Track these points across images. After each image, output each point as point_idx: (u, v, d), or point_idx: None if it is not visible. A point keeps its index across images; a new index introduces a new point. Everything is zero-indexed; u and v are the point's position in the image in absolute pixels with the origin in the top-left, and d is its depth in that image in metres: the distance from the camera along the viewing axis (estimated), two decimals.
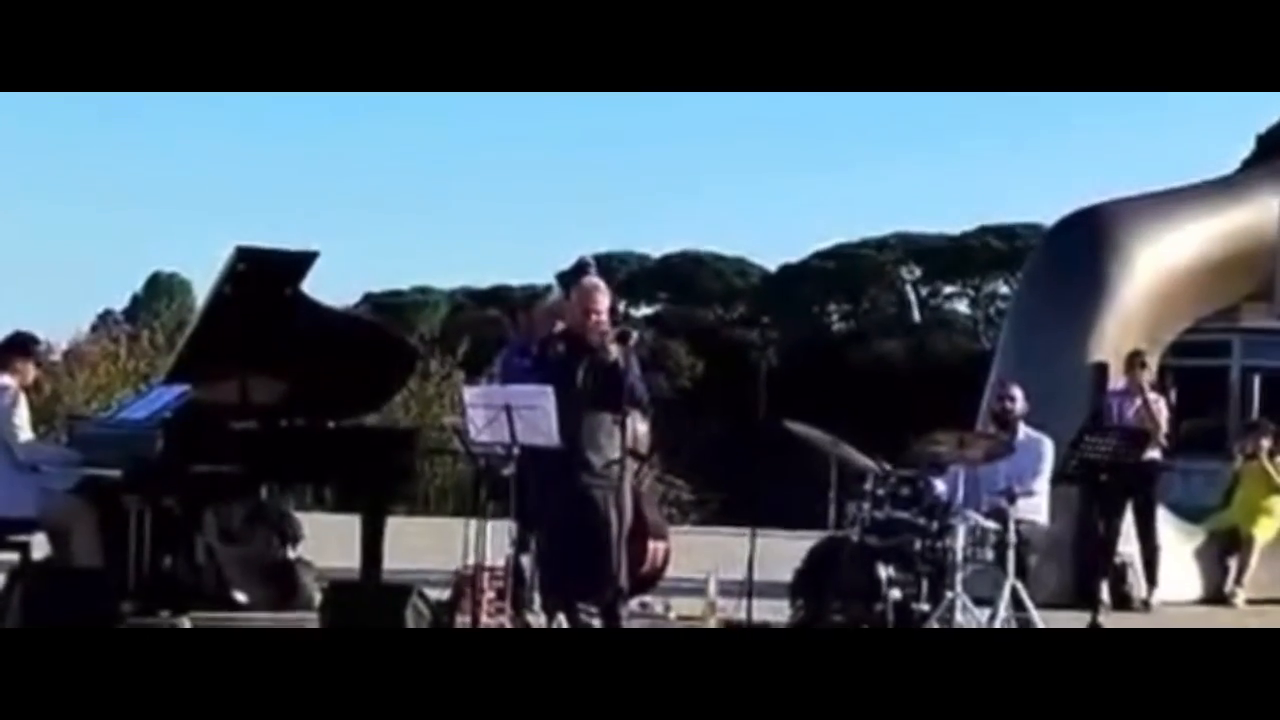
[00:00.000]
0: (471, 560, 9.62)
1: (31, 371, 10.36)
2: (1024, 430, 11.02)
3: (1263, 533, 14.38)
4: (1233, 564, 14.43)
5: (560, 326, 10.63)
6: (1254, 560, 14.29)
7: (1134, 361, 13.23)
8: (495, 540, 9.82)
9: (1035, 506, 10.59)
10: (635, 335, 9.69)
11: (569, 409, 9.21)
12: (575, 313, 9.74)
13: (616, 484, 9.46)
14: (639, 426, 10.82)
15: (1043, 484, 10.74)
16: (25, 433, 9.99)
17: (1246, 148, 45.28)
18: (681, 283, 59.80)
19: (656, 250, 61.73)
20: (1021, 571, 9.83)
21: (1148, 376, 13.28)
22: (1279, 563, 14.43)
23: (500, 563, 9.87)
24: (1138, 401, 13.08)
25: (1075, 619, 10.31)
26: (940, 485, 10.18)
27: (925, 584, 9.73)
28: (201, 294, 12.08)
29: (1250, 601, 13.97)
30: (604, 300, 9.69)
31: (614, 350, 9.40)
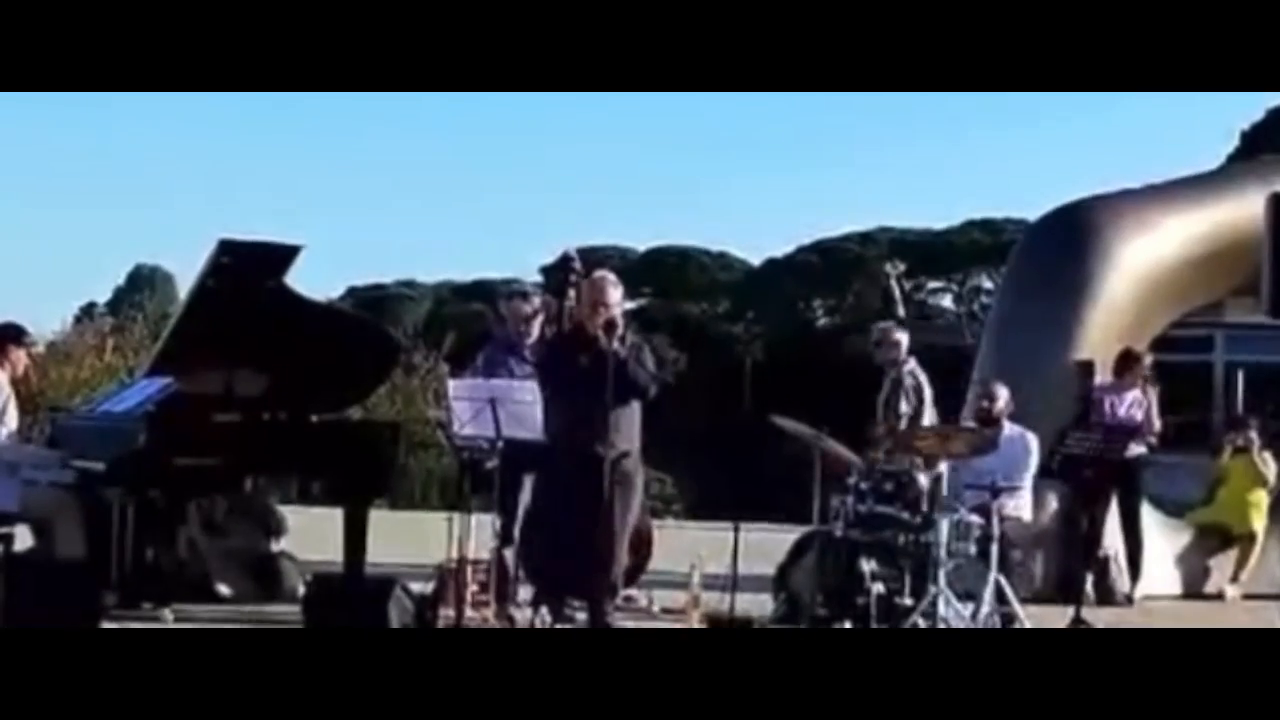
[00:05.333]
0: (455, 554, 9.62)
1: (22, 362, 10.35)
2: (1008, 426, 11.04)
3: (1259, 527, 14.39)
4: (1215, 563, 14.44)
5: (539, 322, 10.67)
6: (1255, 556, 14.29)
7: (1129, 359, 13.22)
8: (479, 534, 9.82)
9: (1019, 501, 10.60)
10: (620, 328, 9.67)
11: (573, 401, 9.21)
12: (585, 304, 9.70)
13: (625, 478, 9.47)
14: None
15: (1027, 479, 10.75)
16: (7, 429, 9.98)
17: (1231, 144, 45.32)
18: (665, 277, 59.66)
19: (640, 244, 61.65)
20: (1004, 566, 9.84)
21: (1142, 374, 13.27)
22: (1265, 557, 14.44)
23: (484, 556, 9.87)
24: (1128, 396, 13.09)
25: (1058, 613, 10.33)
26: (924, 479, 10.19)
27: (908, 578, 9.74)
28: (185, 287, 12.06)
29: (1245, 597, 13.95)
30: (615, 293, 9.65)
31: (615, 342, 9.35)
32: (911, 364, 11.98)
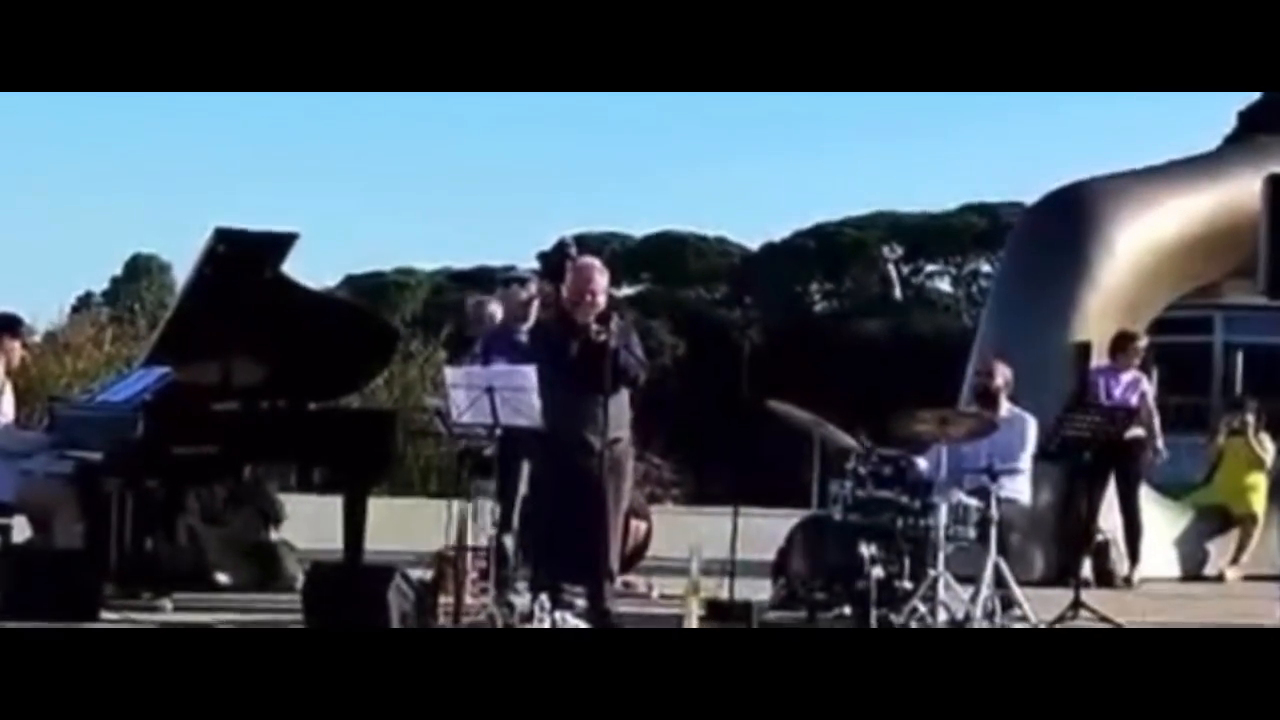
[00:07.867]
0: (454, 541, 9.63)
1: (18, 353, 10.35)
2: (1007, 407, 11.02)
3: (1259, 509, 14.38)
4: (1214, 545, 14.43)
5: (535, 309, 10.68)
6: (1255, 537, 14.28)
7: (1124, 341, 13.21)
8: (477, 521, 9.82)
9: (1018, 484, 10.59)
10: (616, 316, 9.66)
11: (564, 390, 9.20)
12: (571, 291, 9.69)
13: (616, 465, 9.48)
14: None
15: (1026, 461, 10.74)
16: (4, 419, 9.98)
17: (1229, 125, 45.28)
18: (663, 263, 59.65)
19: (638, 230, 61.62)
20: (1003, 549, 9.83)
21: (1138, 355, 13.26)
22: (1265, 538, 14.44)
23: (483, 543, 9.87)
24: (1124, 378, 13.09)
25: (1058, 596, 10.32)
26: (923, 463, 10.18)
27: (908, 562, 9.73)
28: (182, 276, 12.07)
29: (1245, 579, 13.93)
30: (601, 280, 9.64)
31: (605, 329, 9.34)
32: None
